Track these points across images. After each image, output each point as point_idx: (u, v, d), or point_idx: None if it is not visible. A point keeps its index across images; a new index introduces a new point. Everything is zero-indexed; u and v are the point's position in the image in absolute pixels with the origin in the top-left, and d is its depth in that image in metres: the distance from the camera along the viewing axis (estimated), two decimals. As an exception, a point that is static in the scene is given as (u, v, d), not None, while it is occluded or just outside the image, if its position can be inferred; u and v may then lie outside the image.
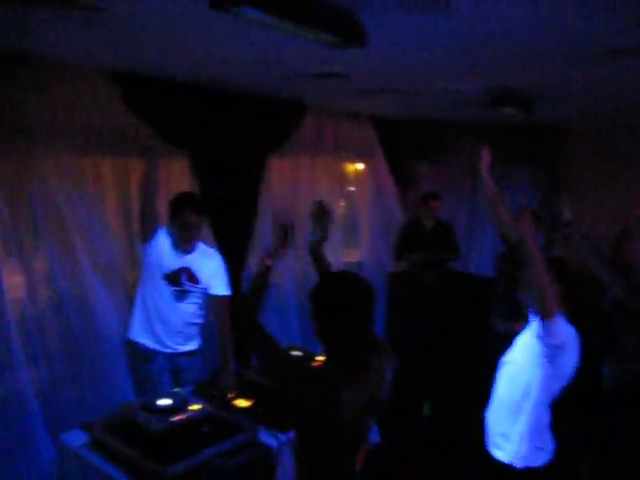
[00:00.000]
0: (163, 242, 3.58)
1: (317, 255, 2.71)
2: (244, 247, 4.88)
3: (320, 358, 3.58)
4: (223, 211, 4.60)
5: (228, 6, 1.88)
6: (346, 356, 2.05)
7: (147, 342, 3.61)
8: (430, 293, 5.75)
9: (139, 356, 3.61)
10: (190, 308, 3.63)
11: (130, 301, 3.86)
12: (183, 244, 3.57)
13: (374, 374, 2.08)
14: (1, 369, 3.38)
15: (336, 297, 2.08)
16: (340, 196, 6.15)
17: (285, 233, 2.51)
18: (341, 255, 6.04)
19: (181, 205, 3.53)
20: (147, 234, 3.57)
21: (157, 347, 3.60)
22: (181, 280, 3.58)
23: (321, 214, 2.77)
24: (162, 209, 3.74)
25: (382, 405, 2.14)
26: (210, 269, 3.68)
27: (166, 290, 3.56)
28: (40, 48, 3.22)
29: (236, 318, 2.39)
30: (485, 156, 3.33)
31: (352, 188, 6.58)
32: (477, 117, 6.07)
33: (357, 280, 2.16)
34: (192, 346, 3.73)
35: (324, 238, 2.75)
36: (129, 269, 4.25)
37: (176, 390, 3.27)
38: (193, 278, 3.61)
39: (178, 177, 4.48)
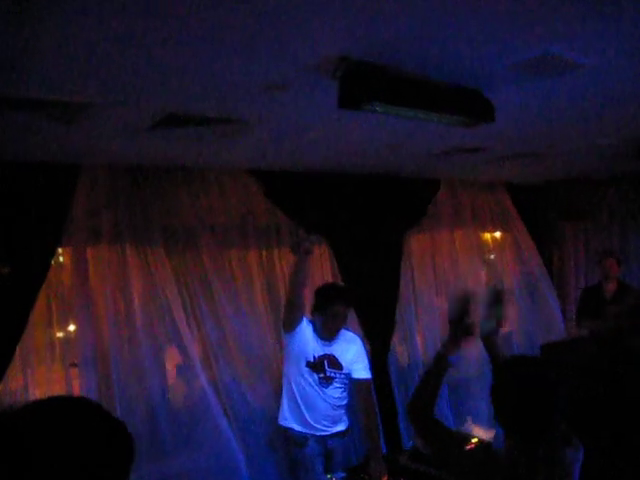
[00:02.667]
0: (306, 330, 3.63)
1: (491, 345, 2.43)
2: (388, 327, 4.88)
3: (474, 440, 3.43)
4: (364, 292, 4.66)
5: (356, 104, 1.99)
6: (530, 449, 1.84)
7: (298, 427, 3.66)
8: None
9: (292, 441, 3.66)
10: (335, 393, 3.67)
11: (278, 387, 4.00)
12: (329, 334, 3.63)
13: (559, 469, 1.85)
14: (151, 457, 3.55)
15: (517, 396, 1.84)
16: (480, 266, 6.00)
17: (463, 323, 2.21)
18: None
19: (331, 298, 3.58)
20: (293, 323, 3.62)
21: (308, 431, 3.64)
22: (324, 367, 3.64)
23: (496, 299, 2.49)
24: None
25: None
26: (352, 354, 3.72)
27: (311, 377, 3.63)
28: (193, 162, 3.62)
29: (409, 410, 2.23)
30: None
31: (492, 256, 6.40)
32: (621, 169, 5.76)
33: (537, 370, 1.90)
34: (341, 427, 3.74)
35: (500, 325, 2.45)
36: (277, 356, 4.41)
37: (329, 477, 3.26)
38: (336, 364, 3.65)
39: (318, 262, 4.63)
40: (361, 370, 3.70)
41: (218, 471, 3.81)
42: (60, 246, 3.47)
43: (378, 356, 4.68)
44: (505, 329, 6.05)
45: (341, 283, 4.34)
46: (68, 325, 3.70)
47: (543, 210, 6.65)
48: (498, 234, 6.42)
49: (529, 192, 6.36)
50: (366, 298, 4.64)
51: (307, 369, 3.61)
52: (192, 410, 3.82)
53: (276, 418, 3.78)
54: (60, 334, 3.71)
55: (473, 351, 5.43)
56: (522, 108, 2.86)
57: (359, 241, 4.67)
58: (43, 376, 3.61)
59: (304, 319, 3.65)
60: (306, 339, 3.62)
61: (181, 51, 1.87)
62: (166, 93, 2.28)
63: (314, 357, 3.61)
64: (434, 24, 1.79)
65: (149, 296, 3.80)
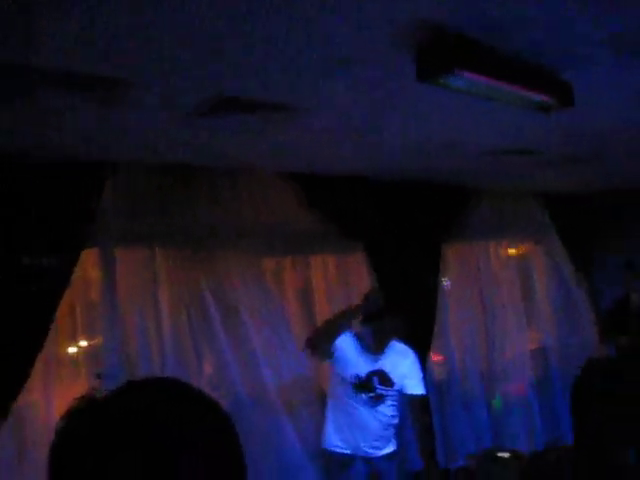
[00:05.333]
0: (348, 348, 3.36)
1: None
2: (426, 340, 4.61)
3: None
4: (402, 301, 4.42)
5: (438, 73, 1.78)
6: None
7: (344, 449, 3.39)
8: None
9: (337, 464, 3.39)
10: (388, 411, 3.41)
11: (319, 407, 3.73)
12: (379, 347, 3.37)
13: None
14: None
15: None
16: (517, 279, 5.72)
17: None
18: (525, 341, 5.56)
19: (384, 307, 3.35)
20: (326, 353, 3.36)
21: (355, 452, 3.37)
22: (373, 385, 3.37)
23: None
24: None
25: None
26: (405, 368, 3.46)
27: (359, 397, 3.36)
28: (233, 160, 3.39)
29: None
30: None
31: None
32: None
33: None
34: (390, 449, 3.47)
35: None
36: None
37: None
38: (386, 381, 3.39)
39: (355, 272, 4.40)
40: (415, 385, 3.43)
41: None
42: (86, 248, 3.24)
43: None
44: (539, 342, 5.80)
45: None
46: (94, 334, 3.46)
47: (580, 223, 6.41)
48: (533, 246, 6.16)
49: (567, 204, 6.11)
50: (404, 308, 4.39)
51: (354, 389, 3.34)
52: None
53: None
54: (85, 343, 3.47)
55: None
56: (597, 99, 2.62)
57: (396, 250, 4.44)
58: (66, 388, 3.36)
59: (345, 336, 3.38)
60: (349, 357, 3.34)
61: (238, 19, 1.66)
62: (217, 70, 2.06)
63: (361, 376, 3.34)
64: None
65: (180, 304, 3.57)
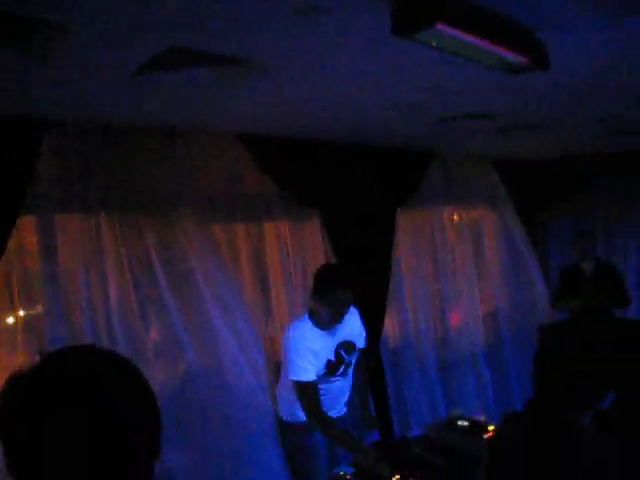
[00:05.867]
0: (312, 341, 3.10)
1: None
2: (382, 305, 4.55)
3: (492, 427, 3.14)
4: (357, 268, 4.32)
5: (416, 28, 1.62)
6: None
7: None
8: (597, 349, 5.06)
9: (296, 430, 3.29)
10: (351, 373, 3.34)
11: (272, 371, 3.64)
12: (336, 322, 3.18)
13: None
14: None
15: None
16: (469, 245, 5.72)
17: None
18: (477, 306, 5.59)
19: (339, 282, 3.12)
20: None
21: None
22: (343, 359, 3.25)
23: None
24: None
25: None
26: (357, 327, 3.41)
27: (332, 377, 3.23)
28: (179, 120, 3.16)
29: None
30: None
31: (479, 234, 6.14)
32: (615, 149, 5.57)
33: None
34: (346, 408, 3.42)
35: None
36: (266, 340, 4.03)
37: (341, 474, 2.91)
38: (351, 347, 3.29)
39: (310, 239, 4.27)
40: (363, 339, 3.42)
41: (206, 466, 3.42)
42: (22, 214, 2.97)
43: (370, 336, 4.35)
44: (490, 306, 5.86)
45: (336, 264, 3.97)
46: (33, 306, 3.22)
47: (531, 189, 6.47)
48: (485, 212, 6.18)
49: (519, 170, 6.14)
50: (357, 273, 4.30)
51: (327, 374, 3.20)
52: (177, 399, 3.40)
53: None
54: (24, 316, 3.22)
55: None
56: (576, 61, 2.52)
57: (352, 216, 4.32)
58: (3, 362, 3.13)
59: (299, 325, 3.19)
60: (317, 351, 3.11)
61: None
62: (165, 19, 1.84)
63: (332, 359, 3.19)
64: None
65: (126, 272, 3.35)
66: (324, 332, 3.15)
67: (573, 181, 6.54)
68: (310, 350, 3.06)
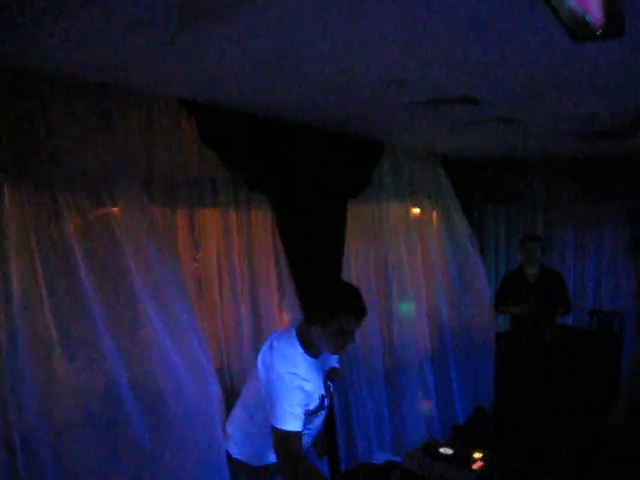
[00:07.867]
0: (303, 369, 2.45)
1: None
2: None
3: (478, 455, 2.73)
4: (308, 259, 3.84)
5: None
6: None
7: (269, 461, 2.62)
8: (549, 355, 4.85)
9: (252, 474, 2.65)
10: None
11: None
12: (334, 354, 2.60)
13: None
14: None
15: None
16: (416, 241, 5.33)
17: None
18: (423, 305, 5.25)
19: (350, 305, 2.40)
20: None
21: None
22: (330, 391, 2.66)
23: None
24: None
25: None
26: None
27: (319, 414, 2.60)
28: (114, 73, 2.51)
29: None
30: None
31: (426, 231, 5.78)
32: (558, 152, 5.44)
33: None
34: None
35: None
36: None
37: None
38: (334, 372, 2.69)
39: (259, 228, 3.71)
40: (336, 358, 2.78)
41: None
42: None
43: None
44: (434, 303, 5.50)
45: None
46: None
47: (474, 189, 6.29)
48: (430, 209, 5.83)
49: (461, 167, 5.88)
50: (308, 264, 3.83)
51: (316, 411, 2.56)
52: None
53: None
54: None
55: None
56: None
57: (303, 205, 3.82)
58: None
59: (287, 355, 2.47)
60: (307, 392, 2.45)
61: None
62: None
63: (323, 393, 2.58)
64: None
65: (35, 260, 2.65)
66: (315, 361, 2.55)
67: (517, 182, 6.45)
68: (303, 391, 2.41)
